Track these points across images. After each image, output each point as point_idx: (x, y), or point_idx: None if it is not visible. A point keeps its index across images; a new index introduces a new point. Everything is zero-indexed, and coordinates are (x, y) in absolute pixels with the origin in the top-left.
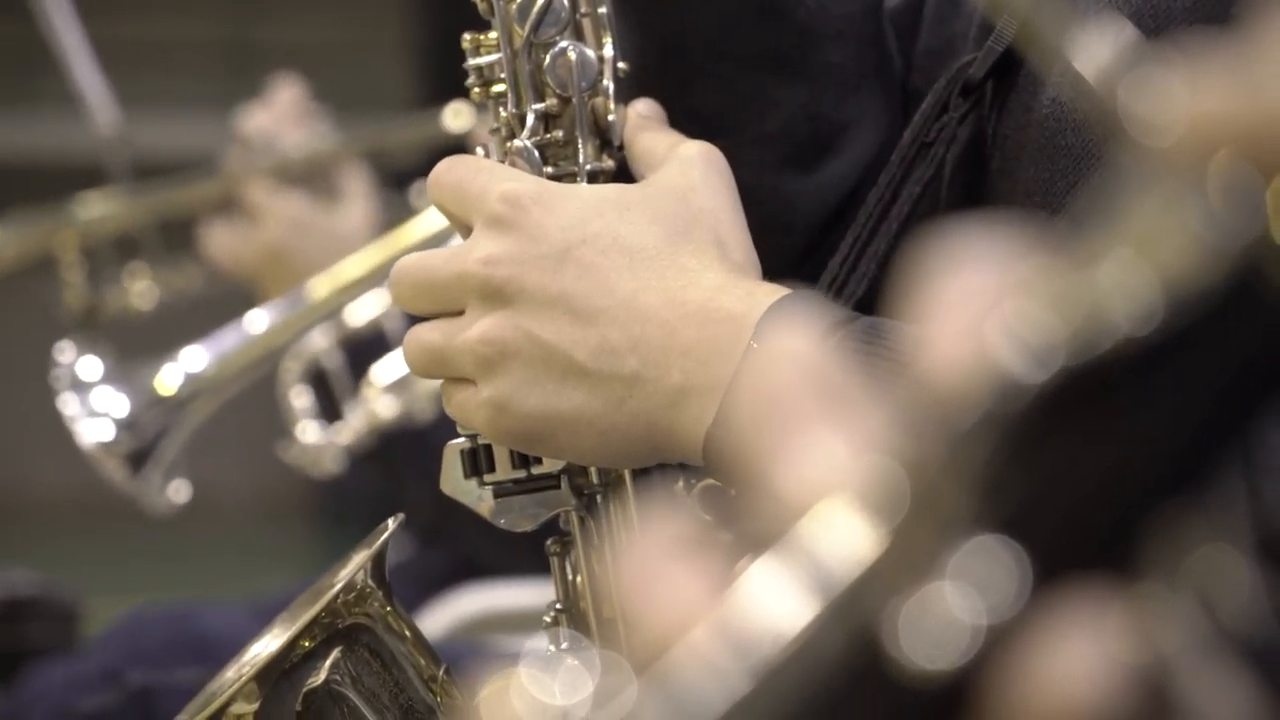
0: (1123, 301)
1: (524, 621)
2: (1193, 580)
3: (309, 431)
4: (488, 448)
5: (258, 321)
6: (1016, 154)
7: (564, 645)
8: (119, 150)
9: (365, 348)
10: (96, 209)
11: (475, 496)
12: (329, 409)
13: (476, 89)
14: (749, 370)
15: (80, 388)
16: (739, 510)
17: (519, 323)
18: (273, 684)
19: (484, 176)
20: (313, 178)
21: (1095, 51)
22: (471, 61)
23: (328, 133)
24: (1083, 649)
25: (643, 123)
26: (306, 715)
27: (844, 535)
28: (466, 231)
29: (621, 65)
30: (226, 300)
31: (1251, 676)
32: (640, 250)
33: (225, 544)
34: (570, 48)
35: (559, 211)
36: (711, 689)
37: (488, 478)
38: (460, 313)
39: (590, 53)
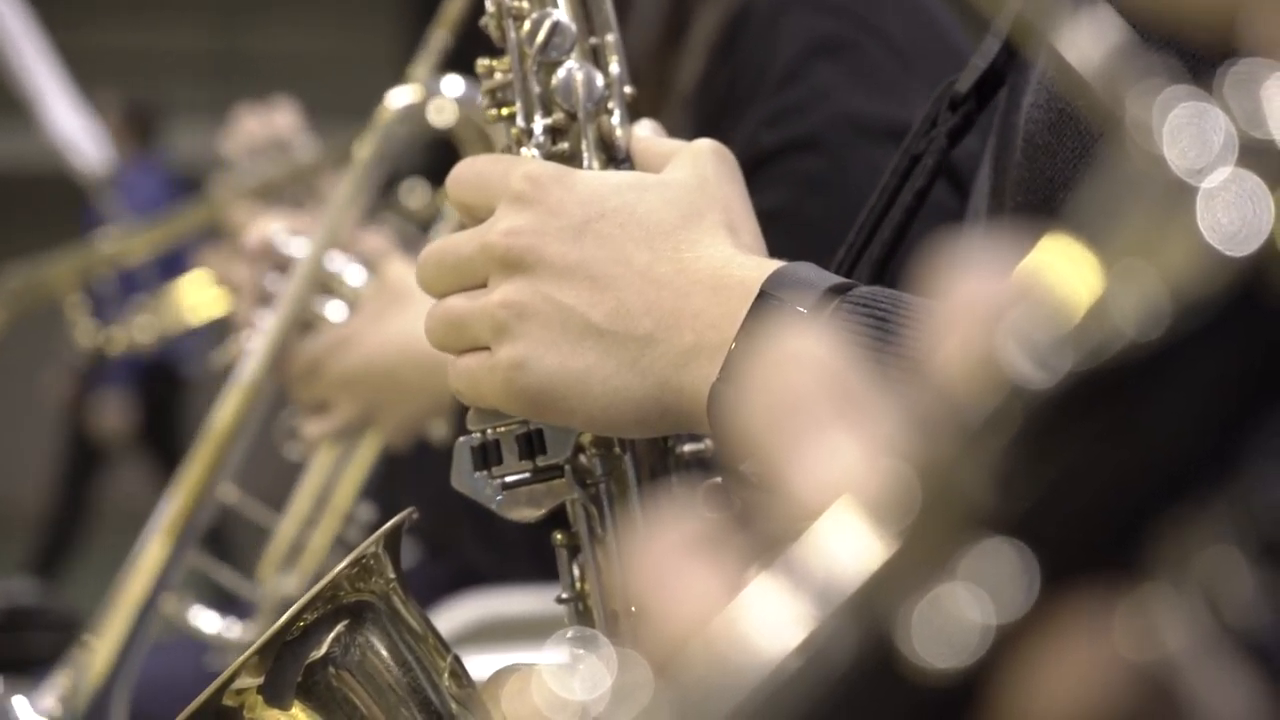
0: (1129, 307)
1: (520, 628)
2: (1198, 580)
3: None
4: (496, 442)
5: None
6: (999, 163)
7: (581, 642)
8: (107, 191)
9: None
10: (100, 248)
11: (484, 490)
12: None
13: (490, 110)
14: (753, 329)
15: None
16: (745, 508)
17: (538, 287)
18: (275, 657)
19: (504, 163)
20: (296, 191)
21: (1092, 50)
22: (485, 85)
23: (308, 144)
24: (1090, 647)
25: (650, 137)
26: (306, 687)
27: (856, 538)
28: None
29: (628, 89)
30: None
31: (1255, 675)
32: (656, 226)
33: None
34: (577, 68)
35: (579, 190)
36: (725, 687)
37: (496, 471)
38: (483, 286)
39: (597, 73)
